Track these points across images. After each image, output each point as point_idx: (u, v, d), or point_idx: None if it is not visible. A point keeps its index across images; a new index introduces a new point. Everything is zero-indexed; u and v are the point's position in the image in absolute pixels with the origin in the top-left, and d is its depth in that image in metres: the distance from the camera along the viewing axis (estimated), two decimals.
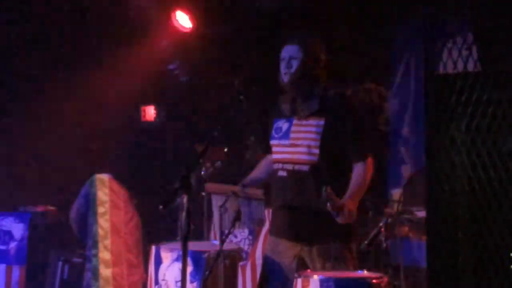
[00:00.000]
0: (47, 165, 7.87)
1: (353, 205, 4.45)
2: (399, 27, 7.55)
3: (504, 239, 3.21)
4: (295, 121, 4.68)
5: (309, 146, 4.59)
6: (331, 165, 4.60)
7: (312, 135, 4.59)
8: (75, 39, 7.93)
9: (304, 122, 4.65)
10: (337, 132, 4.59)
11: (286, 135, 4.69)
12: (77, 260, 7.00)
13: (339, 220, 4.39)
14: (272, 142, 4.79)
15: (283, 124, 4.75)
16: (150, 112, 8.62)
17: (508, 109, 3.21)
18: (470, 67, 3.32)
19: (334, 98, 4.67)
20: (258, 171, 5.01)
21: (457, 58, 3.27)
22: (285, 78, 4.68)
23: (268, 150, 4.86)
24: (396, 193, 7.55)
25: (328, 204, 4.26)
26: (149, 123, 8.62)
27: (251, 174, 5.00)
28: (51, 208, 7.61)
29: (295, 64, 4.65)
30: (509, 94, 3.23)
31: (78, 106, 7.98)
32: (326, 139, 4.57)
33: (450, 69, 3.33)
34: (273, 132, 4.79)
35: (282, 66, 4.70)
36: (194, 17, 8.01)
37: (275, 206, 4.84)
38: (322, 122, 4.60)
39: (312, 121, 4.62)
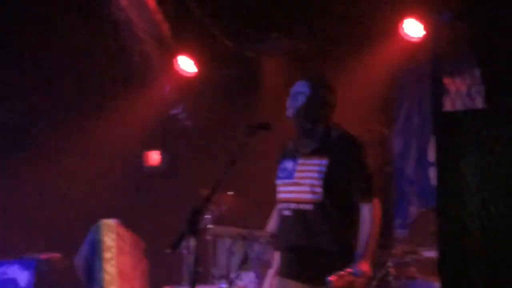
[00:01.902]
0: (53, 212, 7.84)
1: (366, 265, 4.44)
2: (402, 66, 7.59)
3: None
4: (300, 161, 4.68)
5: (312, 185, 4.58)
6: (335, 203, 4.59)
7: (315, 174, 4.59)
8: (78, 84, 7.96)
9: (308, 161, 4.65)
10: (340, 172, 4.58)
11: (290, 175, 4.69)
12: None
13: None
14: (277, 182, 4.78)
15: (287, 164, 4.75)
16: (154, 157, 8.62)
17: None
18: (479, 104, 3.33)
19: (339, 138, 4.67)
20: (274, 221, 4.97)
21: (465, 96, 3.28)
22: (289, 111, 4.71)
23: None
24: (403, 233, 7.54)
25: None
26: (153, 168, 8.62)
27: (269, 226, 4.97)
28: (56, 255, 7.57)
29: (300, 99, 4.68)
30: None
31: (82, 151, 7.99)
32: (329, 179, 4.57)
33: (458, 107, 3.34)
34: (279, 172, 4.79)
35: (289, 100, 4.73)
36: (197, 62, 8.06)
37: (281, 246, 4.82)
38: (325, 161, 4.59)
39: (315, 160, 4.62)
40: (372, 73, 7.48)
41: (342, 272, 4.32)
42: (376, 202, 4.59)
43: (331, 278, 4.27)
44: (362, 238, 4.51)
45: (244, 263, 4.67)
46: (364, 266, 4.42)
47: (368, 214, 4.55)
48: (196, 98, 8.28)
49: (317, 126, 4.68)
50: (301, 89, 4.71)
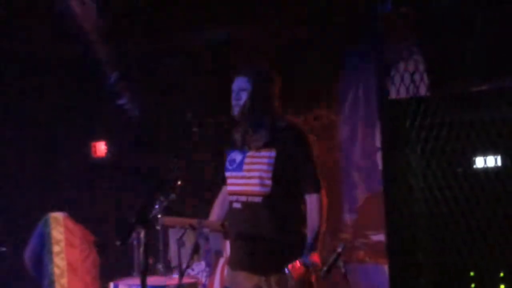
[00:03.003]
0: (1, 206, 7.75)
1: (317, 255, 4.48)
2: (347, 53, 7.65)
3: (463, 258, 3.26)
4: (248, 153, 4.68)
5: (261, 178, 4.59)
6: (284, 194, 4.60)
7: (264, 167, 4.59)
8: (20, 72, 7.86)
9: (256, 153, 4.65)
10: (288, 163, 4.59)
11: (239, 167, 4.69)
12: None
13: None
14: (227, 174, 4.78)
15: (236, 156, 4.74)
16: (100, 148, 8.55)
17: (461, 131, 3.27)
18: (422, 91, 3.38)
19: (285, 129, 4.66)
20: (218, 208, 4.99)
21: (410, 83, 3.33)
22: (235, 110, 4.68)
23: (224, 181, 4.86)
24: (351, 217, 7.62)
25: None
26: (100, 159, 8.55)
27: (212, 213, 4.98)
28: (3, 249, 7.49)
29: (244, 96, 4.63)
30: (461, 116, 3.29)
31: (28, 143, 7.90)
32: (278, 170, 4.57)
33: (402, 94, 3.39)
34: (227, 163, 4.78)
35: (232, 98, 4.69)
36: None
37: (232, 238, 4.84)
38: (273, 153, 4.60)
39: (264, 153, 4.62)
40: (319, 60, 7.53)
41: (296, 263, 4.36)
42: (323, 192, 4.63)
43: (290, 267, 4.31)
44: (311, 230, 4.55)
45: (195, 253, 4.67)
46: (315, 257, 4.46)
47: (316, 205, 4.58)
48: (142, 89, 8.23)
49: (264, 120, 4.67)
50: (242, 85, 4.65)
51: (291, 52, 7.45)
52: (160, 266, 6.41)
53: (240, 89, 4.66)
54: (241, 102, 4.65)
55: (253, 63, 4.90)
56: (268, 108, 4.68)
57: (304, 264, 4.39)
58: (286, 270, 4.33)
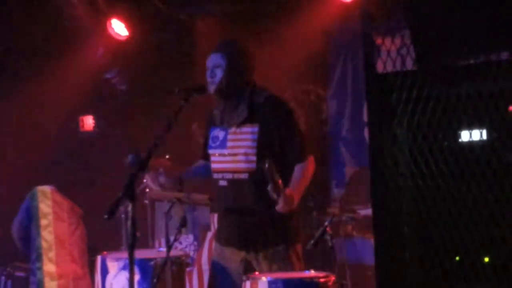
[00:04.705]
0: None
1: (294, 194, 4.46)
2: (335, 28, 7.64)
3: (449, 231, 3.28)
4: (230, 130, 4.65)
5: (246, 154, 4.57)
6: None
7: (249, 143, 4.57)
8: (7, 48, 7.81)
9: (238, 130, 4.61)
10: (272, 137, 4.57)
11: (223, 144, 4.66)
12: (20, 274, 6.89)
13: (279, 207, 4.37)
14: (210, 151, 4.75)
15: (219, 133, 4.70)
16: (88, 122, 8.53)
17: (447, 104, 3.28)
18: (409, 65, 3.38)
19: (265, 102, 4.63)
20: (193, 167, 4.98)
21: (396, 57, 3.33)
22: (211, 87, 4.61)
23: (206, 158, 4.84)
24: (339, 192, 7.65)
25: (269, 186, 4.27)
26: (88, 133, 8.53)
27: (187, 168, 4.98)
28: None
29: (218, 73, 4.58)
30: (447, 90, 3.30)
31: (14, 117, 7.87)
32: (263, 145, 4.55)
33: (389, 68, 3.39)
34: (210, 141, 4.75)
35: (207, 76, 4.64)
36: (130, 25, 7.98)
37: (219, 215, 4.85)
38: (256, 128, 4.56)
39: (246, 129, 4.59)
40: (307, 34, 7.51)
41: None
42: (310, 159, 4.62)
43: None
44: (292, 181, 4.53)
45: (182, 227, 4.68)
46: (292, 192, 4.43)
47: (301, 168, 4.57)
48: (130, 62, 8.21)
49: (241, 94, 4.63)
50: (217, 62, 4.59)
51: (279, 25, 7.43)
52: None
53: (215, 66, 4.60)
54: (216, 79, 4.58)
55: (227, 39, 4.83)
56: (244, 82, 4.64)
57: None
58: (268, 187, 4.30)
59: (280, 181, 4.29)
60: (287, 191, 4.38)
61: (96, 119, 8.49)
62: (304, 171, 4.57)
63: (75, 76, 8.01)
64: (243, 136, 4.59)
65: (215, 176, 4.72)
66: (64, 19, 7.77)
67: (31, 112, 7.94)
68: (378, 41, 3.48)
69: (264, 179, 4.30)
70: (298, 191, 4.52)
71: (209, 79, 4.62)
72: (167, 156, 7.27)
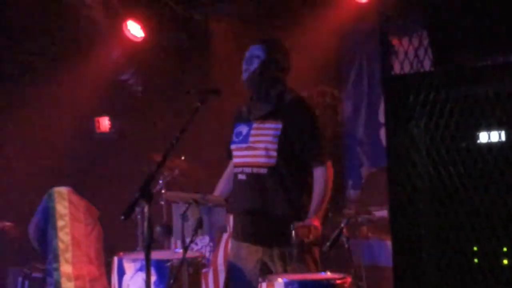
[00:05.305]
0: (3, 180, 7.76)
1: (318, 221, 4.52)
2: (350, 29, 7.62)
3: (466, 233, 3.27)
4: (254, 125, 4.71)
5: (266, 149, 4.62)
6: (289, 166, 4.64)
7: (270, 138, 4.62)
8: (27, 52, 7.85)
9: (261, 125, 4.68)
10: (294, 135, 4.62)
11: (245, 139, 4.72)
12: (37, 275, 6.92)
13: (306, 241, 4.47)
14: (232, 146, 4.81)
15: (243, 128, 4.78)
16: (104, 123, 8.56)
17: (465, 106, 3.27)
18: (427, 66, 3.37)
19: (291, 102, 4.70)
20: (223, 184, 5.00)
21: (413, 58, 3.32)
22: (244, 75, 4.72)
23: (230, 155, 4.88)
24: (355, 193, 7.63)
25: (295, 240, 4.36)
26: (104, 134, 8.55)
27: (217, 188, 5.00)
28: (8, 223, 7.51)
29: (255, 62, 4.70)
30: (465, 91, 3.28)
31: (31, 118, 7.90)
32: (284, 142, 4.61)
33: (406, 69, 3.38)
34: (234, 136, 4.82)
35: (243, 63, 4.74)
36: (146, 26, 8.00)
37: (236, 210, 4.86)
38: (280, 125, 4.63)
39: (270, 124, 4.66)
40: (322, 35, 7.50)
41: (299, 223, 4.40)
42: (329, 165, 4.66)
43: (297, 223, 4.36)
44: (315, 198, 4.59)
45: (198, 228, 4.68)
46: (316, 222, 4.49)
47: (321, 176, 4.61)
48: (145, 63, 8.22)
49: (271, 89, 4.71)
50: (256, 52, 4.72)
51: (294, 26, 7.42)
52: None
53: (253, 56, 4.72)
54: (252, 67, 4.70)
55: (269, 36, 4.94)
56: (277, 78, 4.71)
57: (305, 225, 4.42)
58: (292, 225, 4.37)
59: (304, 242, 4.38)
60: (313, 230, 4.42)
61: (112, 120, 8.51)
62: (324, 184, 4.60)
63: (91, 77, 8.03)
64: (265, 132, 4.65)
65: (235, 170, 4.77)
66: (80, 20, 7.79)
67: (47, 113, 7.96)
68: (395, 41, 3.47)
69: (283, 176, 4.32)
70: (321, 211, 4.58)
71: (244, 67, 4.74)
72: (182, 157, 7.31)
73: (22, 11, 7.57)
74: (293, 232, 4.38)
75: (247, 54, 4.76)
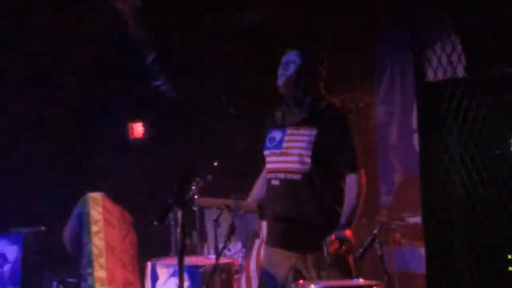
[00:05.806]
0: (39, 185, 7.84)
1: (350, 231, 4.51)
2: (382, 35, 7.60)
3: (500, 241, 3.25)
4: (288, 131, 4.72)
5: (300, 155, 4.63)
6: (323, 173, 4.63)
7: (304, 144, 4.63)
8: (57, 53, 7.93)
9: (296, 131, 4.69)
10: (328, 143, 4.62)
11: (279, 145, 4.73)
12: (71, 280, 6.98)
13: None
14: (266, 152, 4.82)
15: (276, 134, 4.79)
16: (138, 129, 8.60)
17: (499, 113, 3.25)
18: (460, 73, 3.36)
19: (326, 108, 4.70)
20: (257, 189, 5.02)
21: (447, 65, 3.31)
22: (280, 80, 4.74)
23: (263, 161, 4.89)
24: (388, 200, 7.60)
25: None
26: (138, 139, 8.60)
27: (251, 196, 5.02)
28: (44, 228, 7.58)
29: (292, 68, 4.71)
30: (499, 98, 3.27)
31: (66, 124, 7.98)
32: (318, 149, 4.61)
33: (440, 76, 3.37)
34: (267, 142, 4.83)
35: (280, 69, 4.76)
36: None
37: (269, 216, 4.86)
38: (314, 132, 4.64)
39: (304, 131, 4.66)
40: (354, 41, 7.48)
41: (331, 236, 4.40)
42: (362, 173, 4.65)
43: (329, 238, 4.37)
44: (347, 208, 4.58)
45: (231, 234, 4.69)
46: (348, 233, 4.49)
47: (354, 185, 4.60)
48: (178, 70, 8.25)
49: (307, 96, 4.72)
50: (292, 58, 4.74)
51: (325, 31, 7.41)
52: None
53: (290, 61, 4.74)
54: (288, 73, 4.72)
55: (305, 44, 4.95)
56: (312, 85, 4.73)
57: (337, 238, 4.42)
58: (324, 241, 4.38)
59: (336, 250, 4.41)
60: (346, 237, 4.45)
61: (146, 126, 8.56)
62: (357, 192, 4.59)
63: (125, 83, 8.08)
64: (299, 138, 4.66)
65: (268, 176, 4.78)
66: (115, 30, 7.84)
67: (81, 119, 8.03)
68: (428, 48, 3.47)
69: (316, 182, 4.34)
70: (352, 220, 4.57)
71: (280, 72, 4.74)
72: (215, 163, 7.33)
73: (57, 18, 7.65)
74: (325, 248, 4.38)
75: (283, 59, 4.78)
